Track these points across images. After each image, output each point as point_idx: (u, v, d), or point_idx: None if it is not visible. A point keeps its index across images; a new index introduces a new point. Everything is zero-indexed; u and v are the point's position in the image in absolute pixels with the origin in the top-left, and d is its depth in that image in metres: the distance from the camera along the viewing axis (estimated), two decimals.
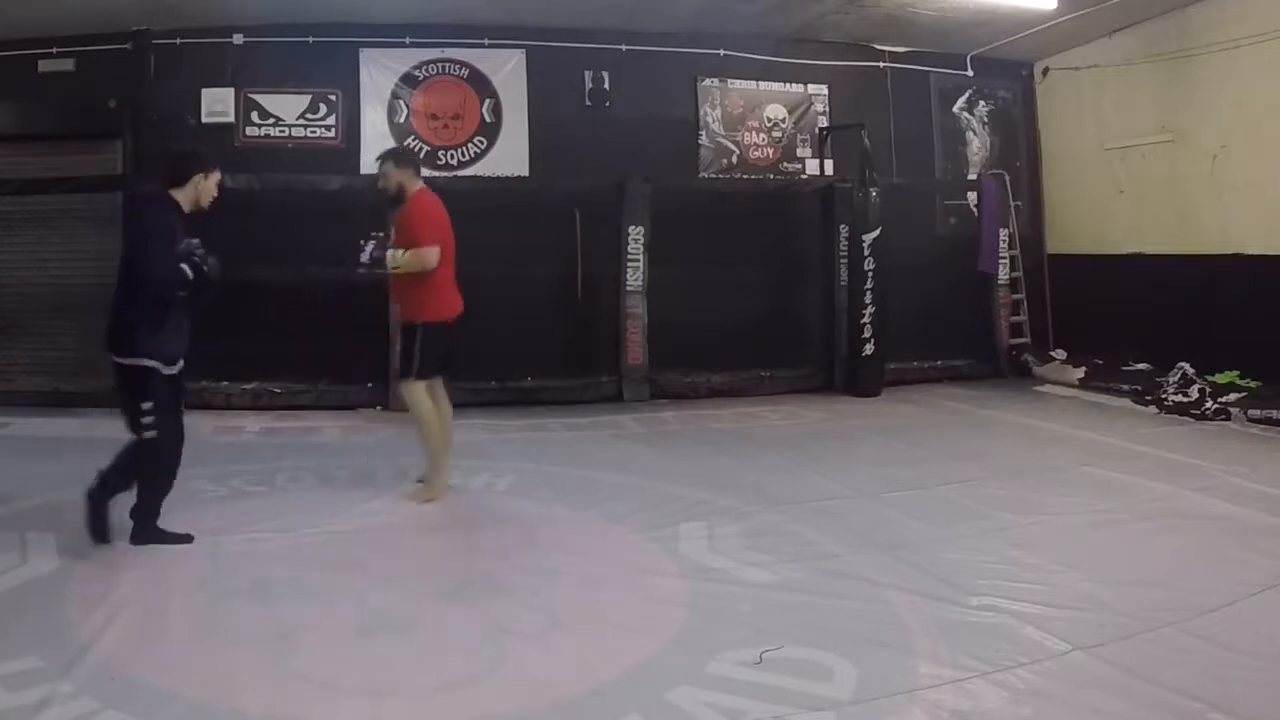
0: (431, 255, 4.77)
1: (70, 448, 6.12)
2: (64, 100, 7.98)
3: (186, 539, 4.10)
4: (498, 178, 8.43)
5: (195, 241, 4.00)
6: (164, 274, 3.85)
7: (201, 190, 4.09)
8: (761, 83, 9.30)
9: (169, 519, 4.49)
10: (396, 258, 4.79)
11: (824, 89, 9.46)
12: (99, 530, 4.00)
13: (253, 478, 5.36)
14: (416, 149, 8.54)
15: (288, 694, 2.83)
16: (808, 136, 9.44)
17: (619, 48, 8.83)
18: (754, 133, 9.31)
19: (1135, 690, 2.83)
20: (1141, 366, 8.23)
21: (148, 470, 4.06)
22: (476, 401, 7.76)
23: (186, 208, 4.06)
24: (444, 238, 4.89)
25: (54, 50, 7.95)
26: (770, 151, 9.37)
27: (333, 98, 8.45)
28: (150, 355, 3.93)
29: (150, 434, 3.95)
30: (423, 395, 4.87)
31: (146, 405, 3.94)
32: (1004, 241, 9.40)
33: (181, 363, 4.09)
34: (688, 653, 3.11)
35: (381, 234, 4.98)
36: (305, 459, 5.85)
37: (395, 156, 5.14)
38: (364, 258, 4.84)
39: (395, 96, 8.55)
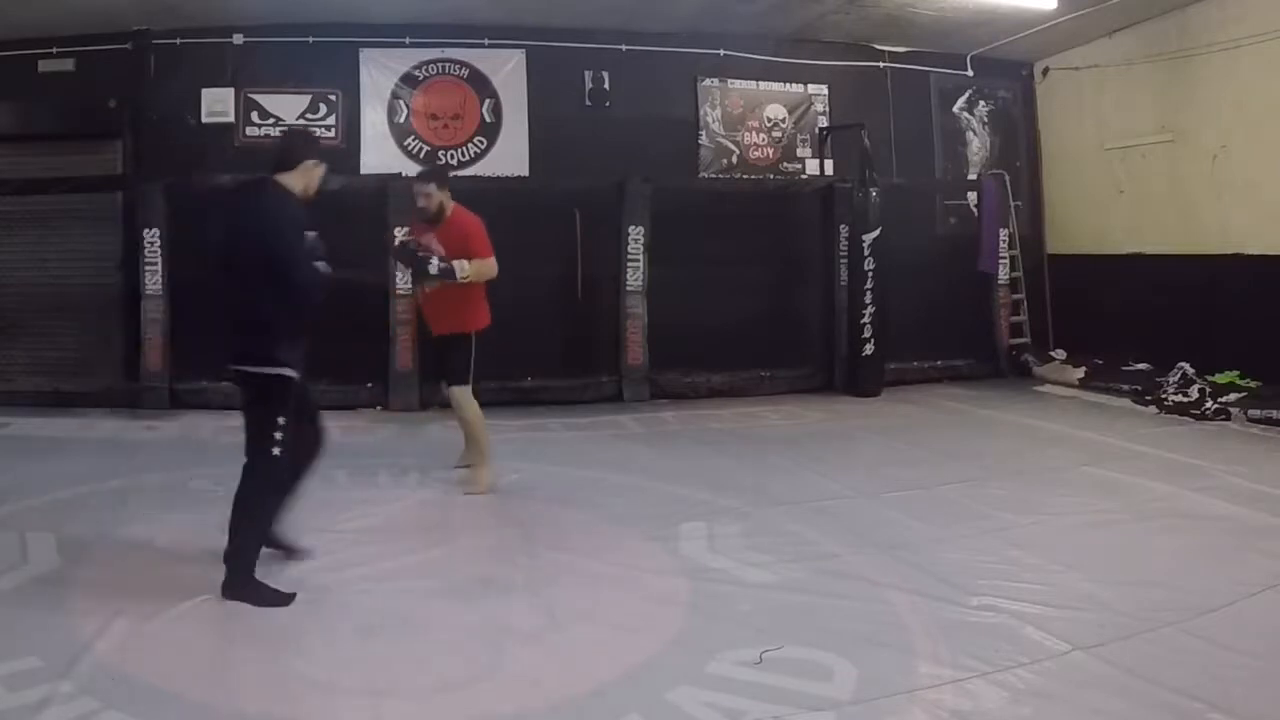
0: (493, 265, 5.07)
1: (70, 448, 6.13)
2: (64, 100, 7.99)
3: (287, 599, 3.50)
4: (498, 178, 8.42)
5: (314, 235, 3.65)
6: (305, 279, 3.50)
7: (312, 177, 3.71)
8: (761, 83, 9.30)
9: (166, 518, 4.52)
10: (465, 268, 4.94)
11: (824, 89, 9.46)
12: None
13: None
14: (416, 149, 8.56)
15: (288, 694, 2.83)
16: (808, 136, 9.44)
17: (619, 48, 8.83)
18: (754, 133, 9.31)
19: (1135, 690, 2.83)
20: (1141, 366, 8.23)
21: (262, 490, 3.62)
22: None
23: (298, 195, 3.69)
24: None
25: (54, 50, 7.95)
26: (770, 151, 9.36)
27: (333, 98, 8.45)
28: (291, 364, 3.56)
29: (277, 450, 3.57)
30: (473, 399, 5.17)
31: (283, 420, 3.57)
32: (1004, 241, 9.40)
33: None
34: (688, 653, 3.11)
35: (409, 239, 4.99)
36: None
37: (438, 178, 5.28)
38: (433, 269, 4.93)
39: (395, 96, 8.55)
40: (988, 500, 4.92)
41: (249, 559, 3.55)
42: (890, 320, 8.44)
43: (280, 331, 3.54)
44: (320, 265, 3.61)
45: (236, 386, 3.74)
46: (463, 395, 5.15)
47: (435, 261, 4.96)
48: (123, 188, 7.86)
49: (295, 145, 3.78)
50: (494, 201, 8.09)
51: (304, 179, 3.68)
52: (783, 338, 8.91)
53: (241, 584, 3.50)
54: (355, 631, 3.29)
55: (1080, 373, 8.59)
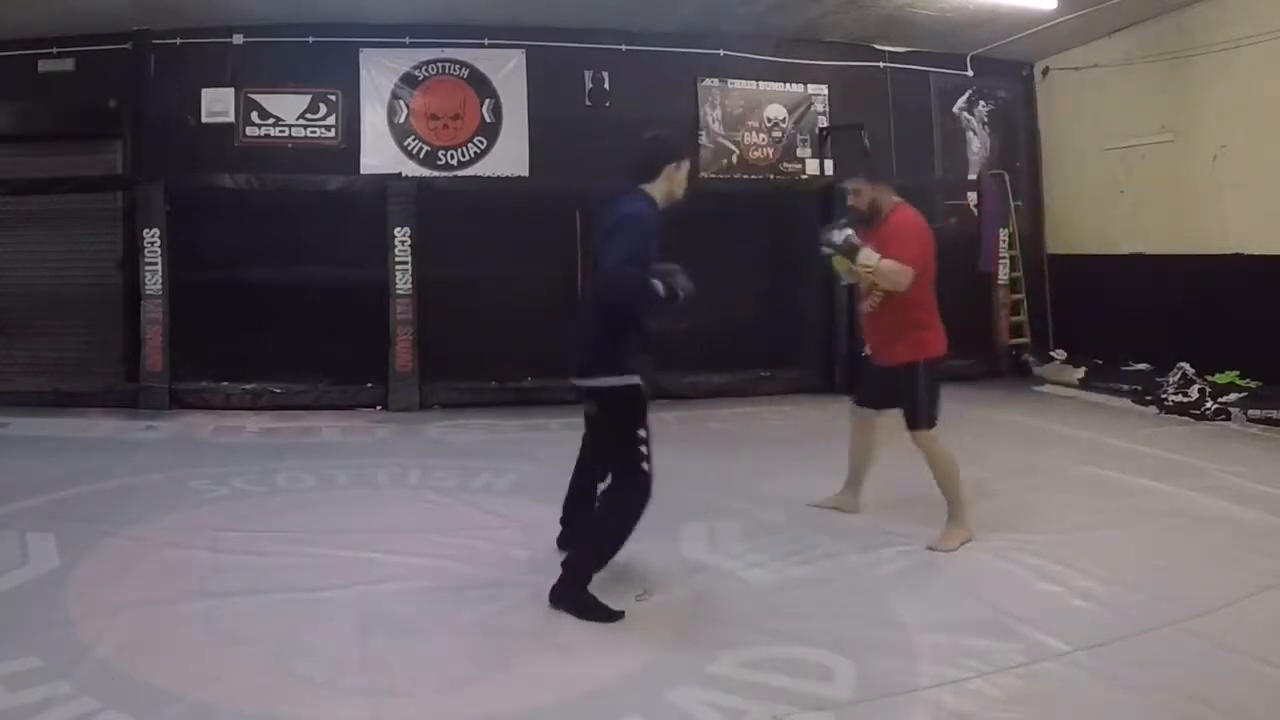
0: (904, 275, 4.15)
1: (70, 448, 6.13)
2: (64, 100, 8.00)
3: (616, 616, 3.36)
4: (498, 178, 8.43)
5: (675, 267, 3.52)
6: (614, 282, 3.38)
7: (675, 182, 3.67)
8: (761, 83, 9.30)
9: (166, 518, 4.52)
10: (872, 258, 4.16)
11: (824, 89, 9.47)
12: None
13: (253, 478, 5.36)
14: (416, 149, 8.56)
15: (288, 694, 2.83)
16: (808, 136, 9.45)
17: (619, 48, 8.83)
18: (754, 133, 9.32)
19: (1135, 690, 2.83)
20: (1141, 366, 8.23)
21: (622, 516, 3.46)
22: (476, 401, 7.77)
23: (660, 204, 3.62)
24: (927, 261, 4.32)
25: (54, 50, 7.97)
26: (770, 151, 9.37)
27: (333, 98, 8.46)
28: (638, 371, 3.41)
29: (646, 467, 3.41)
30: (944, 443, 4.32)
31: (643, 433, 3.41)
32: (1004, 241, 9.40)
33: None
34: (688, 653, 3.11)
35: (845, 220, 4.41)
36: (305, 459, 5.84)
37: (867, 171, 4.67)
38: (837, 238, 4.24)
39: (395, 96, 8.56)
40: (988, 500, 4.91)
41: (588, 573, 3.44)
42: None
43: (629, 340, 3.42)
44: (656, 284, 3.37)
45: (587, 400, 3.61)
46: (930, 441, 4.28)
47: (844, 234, 4.21)
48: (123, 188, 7.86)
49: (652, 153, 3.66)
50: (494, 201, 8.16)
51: (666, 186, 3.67)
52: (783, 338, 8.90)
53: (574, 595, 3.40)
54: (355, 631, 3.29)
55: (1080, 373, 8.58)
